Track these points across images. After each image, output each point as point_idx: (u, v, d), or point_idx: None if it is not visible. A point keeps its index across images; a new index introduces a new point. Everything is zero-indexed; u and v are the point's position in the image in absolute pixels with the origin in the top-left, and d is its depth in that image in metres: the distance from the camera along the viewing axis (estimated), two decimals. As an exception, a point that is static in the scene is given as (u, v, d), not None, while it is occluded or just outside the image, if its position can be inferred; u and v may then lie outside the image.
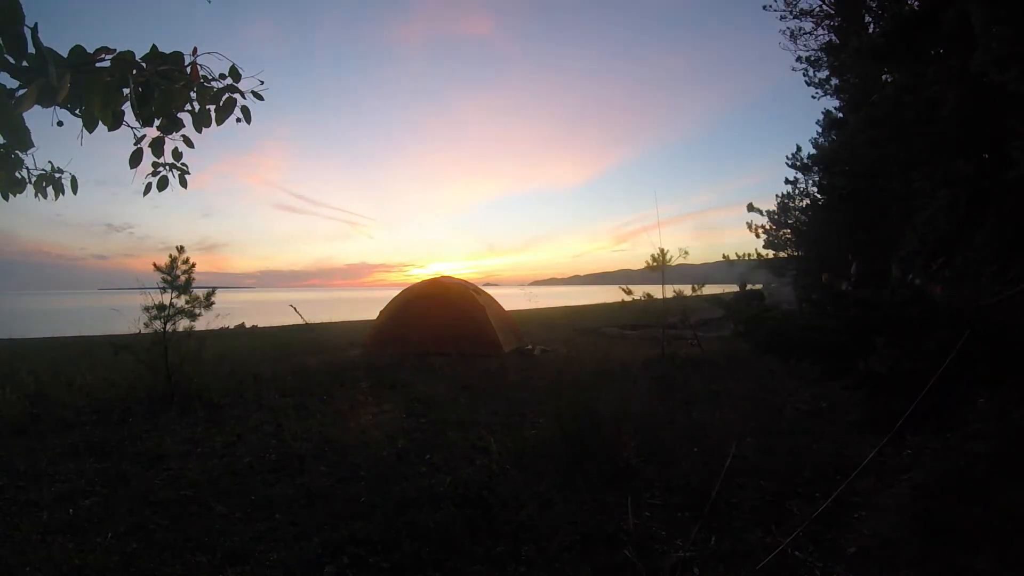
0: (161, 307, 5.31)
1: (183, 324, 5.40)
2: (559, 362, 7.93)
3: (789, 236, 16.66)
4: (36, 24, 1.21)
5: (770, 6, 12.80)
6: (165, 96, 1.61)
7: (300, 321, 14.47)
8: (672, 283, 8.21)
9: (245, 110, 1.95)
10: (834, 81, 12.79)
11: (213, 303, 5.60)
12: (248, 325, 16.64)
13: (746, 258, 13.31)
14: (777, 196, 17.01)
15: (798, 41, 12.89)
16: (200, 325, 5.60)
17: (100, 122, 1.53)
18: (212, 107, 1.89)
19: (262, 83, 1.92)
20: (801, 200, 16.50)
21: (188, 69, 1.70)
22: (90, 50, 1.40)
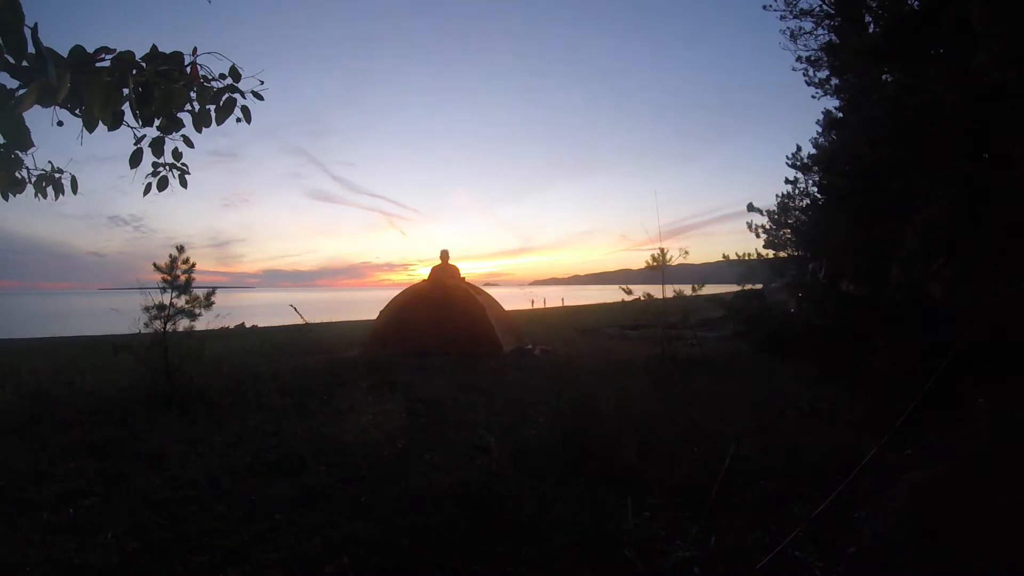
0: (161, 307, 5.31)
1: (183, 324, 5.40)
2: (559, 362, 7.93)
3: (789, 236, 16.68)
4: (36, 24, 1.21)
5: (770, 6, 12.79)
6: (165, 96, 1.61)
7: (300, 321, 14.49)
8: (672, 283, 8.20)
9: (245, 110, 1.95)
10: (834, 81, 12.78)
11: (213, 303, 5.60)
12: (248, 325, 16.66)
13: (746, 258, 13.32)
14: (777, 196, 17.05)
15: (798, 41, 12.88)
16: (200, 325, 5.60)
17: (100, 122, 1.53)
18: (212, 107, 1.89)
19: (262, 83, 1.92)
20: (801, 200, 16.52)
21: (188, 69, 1.70)
22: (90, 50, 1.41)
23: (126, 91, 1.52)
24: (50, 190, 2.10)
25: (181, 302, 5.39)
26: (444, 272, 9.75)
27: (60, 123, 1.59)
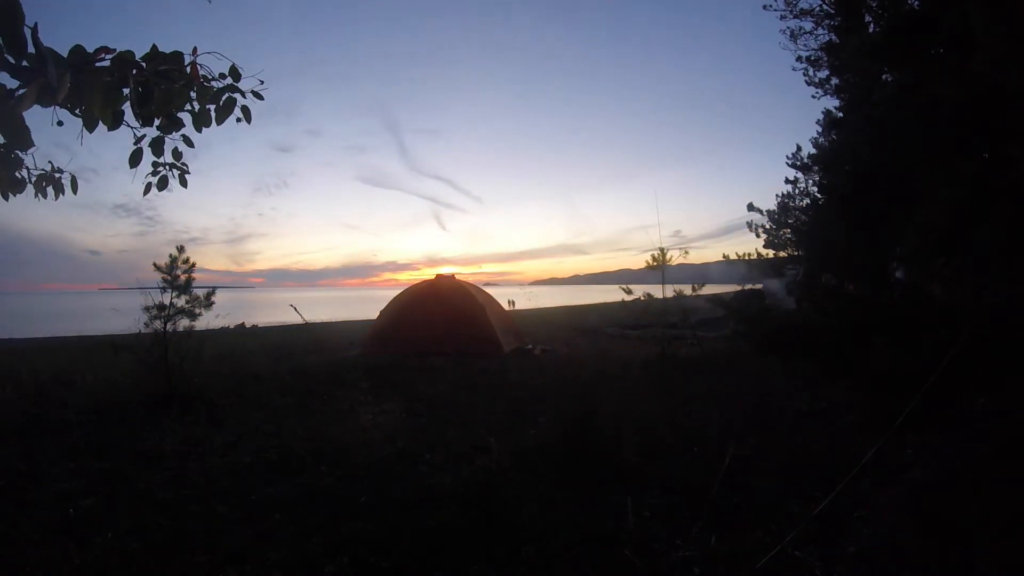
0: (161, 307, 5.31)
1: (183, 324, 5.40)
2: (559, 362, 7.94)
3: (789, 236, 16.66)
4: (36, 24, 1.21)
5: (770, 6, 12.79)
6: (165, 96, 1.61)
7: (300, 321, 14.50)
8: (672, 283, 8.21)
9: (245, 110, 1.95)
10: (834, 81, 12.78)
11: (213, 303, 5.60)
12: (248, 325, 16.67)
13: (746, 258, 13.33)
14: (777, 196, 17.04)
15: (798, 41, 12.89)
16: (200, 325, 5.60)
17: (100, 122, 1.53)
18: (212, 107, 1.90)
19: (262, 83, 1.92)
20: (801, 200, 16.51)
21: (188, 69, 1.70)
22: (90, 50, 1.41)
23: (126, 91, 1.52)
24: (50, 190, 2.11)
25: (181, 302, 5.39)
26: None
27: (60, 123, 1.59)
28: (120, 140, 1.84)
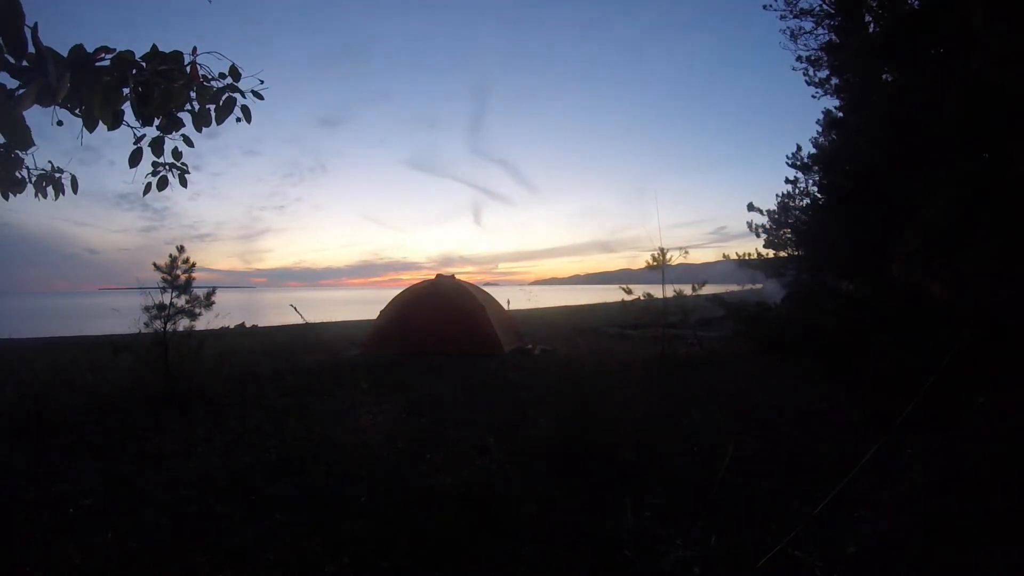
0: (161, 307, 5.31)
1: (183, 324, 5.41)
2: (559, 362, 7.93)
3: (789, 236, 16.66)
4: (36, 24, 1.21)
5: (770, 6, 12.78)
6: (165, 96, 1.61)
7: (301, 321, 14.49)
8: (672, 283, 8.21)
9: (245, 109, 1.96)
10: (834, 81, 12.77)
11: (213, 303, 5.61)
12: (249, 325, 16.67)
13: (746, 258, 13.32)
14: (777, 196, 17.03)
15: (798, 41, 12.87)
16: (200, 325, 5.60)
17: (100, 122, 1.53)
18: (212, 106, 1.90)
19: (262, 82, 1.92)
20: (801, 200, 16.50)
21: (188, 69, 1.70)
22: (90, 50, 1.41)
23: (126, 91, 1.52)
24: (50, 190, 2.11)
25: (181, 302, 5.40)
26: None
27: (60, 123, 1.59)
28: (124, 128, 1.83)
